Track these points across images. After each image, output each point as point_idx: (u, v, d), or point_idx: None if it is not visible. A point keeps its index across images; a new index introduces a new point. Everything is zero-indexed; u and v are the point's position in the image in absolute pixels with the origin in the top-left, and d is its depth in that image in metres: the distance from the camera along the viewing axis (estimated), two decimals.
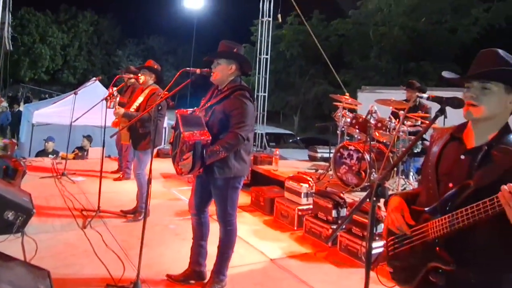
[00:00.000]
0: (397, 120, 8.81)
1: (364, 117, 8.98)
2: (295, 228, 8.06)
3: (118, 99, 8.42)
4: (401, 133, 8.45)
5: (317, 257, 6.90)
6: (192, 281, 5.50)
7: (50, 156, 13.88)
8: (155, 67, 8.20)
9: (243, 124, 4.88)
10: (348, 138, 10.24)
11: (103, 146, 8.30)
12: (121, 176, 11.00)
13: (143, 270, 5.13)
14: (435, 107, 2.71)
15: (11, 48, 22.02)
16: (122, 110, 7.82)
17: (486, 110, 2.53)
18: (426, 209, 2.69)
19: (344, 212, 7.50)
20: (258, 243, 7.26)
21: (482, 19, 27.15)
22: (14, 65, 55.13)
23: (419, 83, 9.94)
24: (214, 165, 4.93)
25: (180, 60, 66.80)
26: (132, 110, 7.85)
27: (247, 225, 8.15)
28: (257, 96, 16.26)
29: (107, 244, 6.61)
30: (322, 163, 12.42)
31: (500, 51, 2.62)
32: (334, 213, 7.44)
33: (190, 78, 5.37)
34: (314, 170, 10.94)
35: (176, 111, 5.18)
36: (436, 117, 2.57)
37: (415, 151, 8.83)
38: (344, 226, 6.93)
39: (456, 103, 2.53)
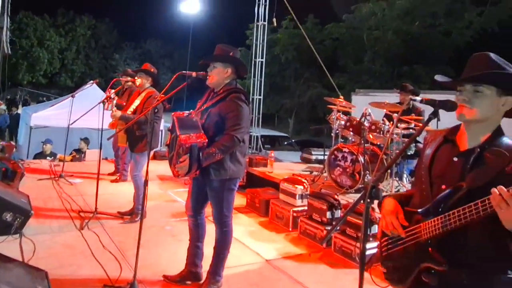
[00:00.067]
0: (391, 122, 8.81)
1: (358, 119, 9.00)
2: (290, 229, 8.07)
3: (115, 101, 8.41)
4: (394, 136, 8.47)
5: (311, 258, 6.90)
6: (189, 282, 5.50)
7: (48, 158, 13.88)
8: (152, 70, 8.20)
9: (238, 127, 4.89)
10: (342, 140, 10.24)
11: (100, 149, 8.30)
12: (118, 178, 10.99)
13: (139, 270, 5.13)
14: (428, 110, 2.72)
15: (10, 52, 21.99)
16: (119, 113, 7.81)
17: (479, 112, 2.54)
18: (419, 210, 2.70)
19: (338, 213, 7.51)
20: (253, 244, 7.27)
21: (476, 23, 27.15)
22: (13, 69, 54.90)
23: (413, 86, 9.95)
24: (210, 167, 4.93)
25: (176, 63, 66.72)
26: (129, 112, 7.85)
27: (243, 226, 8.15)
28: (253, 99, 16.27)
29: (104, 245, 6.60)
30: (317, 165, 12.44)
31: (492, 54, 2.63)
32: (328, 214, 7.44)
33: (186, 81, 5.36)
34: (308, 172, 10.95)
35: (173, 113, 5.18)
36: (429, 119, 2.57)
37: (409, 153, 8.83)
38: (338, 228, 6.95)
39: (449, 106, 2.54)
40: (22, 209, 6.54)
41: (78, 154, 14.75)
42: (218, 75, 5.10)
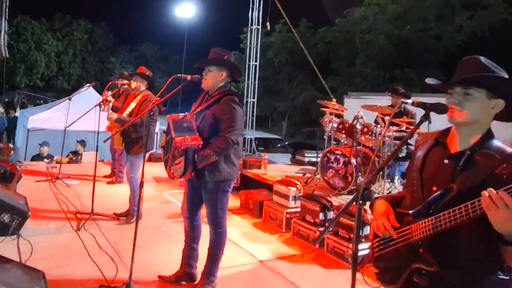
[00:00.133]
0: (383, 125, 8.81)
1: (350, 122, 8.99)
2: (284, 230, 8.07)
3: (111, 104, 8.40)
4: (386, 138, 8.47)
5: (305, 258, 6.90)
6: (184, 282, 5.50)
7: (45, 160, 13.89)
8: (147, 73, 8.20)
9: (232, 129, 4.89)
10: (335, 142, 10.23)
11: (97, 151, 8.30)
12: (114, 179, 10.98)
13: (135, 271, 5.11)
14: (419, 112, 2.71)
15: (7, 55, 21.96)
16: (115, 115, 7.81)
17: (469, 115, 2.54)
18: (410, 212, 2.69)
19: (331, 214, 7.51)
20: (247, 245, 7.27)
21: (466, 27, 27.20)
22: (10, 72, 55.18)
23: (404, 89, 9.95)
24: (205, 169, 4.93)
25: (171, 67, 66.77)
26: (125, 115, 7.85)
27: (237, 227, 8.16)
28: (246, 102, 16.23)
29: (101, 246, 6.60)
30: (310, 167, 12.42)
31: (482, 58, 2.62)
32: (321, 215, 7.45)
33: (181, 84, 5.37)
34: (301, 174, 10.94)
35: (168, 116, 5.17)
36: (420, 122, 2.58)
37: (400, 156, 8.83)
38: (331, 229, 6.96)
39: (440, 109, 2.54)
40: (20, 210, 6.53)
41: (75, 156, 14.74)
42: (213, 78, 5.11)
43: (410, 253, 2.64)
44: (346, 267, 6.43)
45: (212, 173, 4.99)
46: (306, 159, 13.53)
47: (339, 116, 10.16)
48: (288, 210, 8.20)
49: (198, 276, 5.47)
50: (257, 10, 16.76)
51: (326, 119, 9.49)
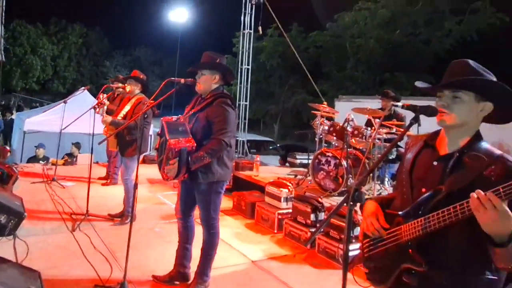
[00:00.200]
0: (373, 128, 8.82)
1: (341, 125, 8.99)
2: (275, 231, 8.07)
3: (106, 107, 8.38)
4: (376, 141, 8.47)
5: (296, 259, 6.91)
6: (177, 282, 5.51)
7: (40, 162, 13.85)
8: (141, 77, 8.20)
9: (225, 131, 4.90)
10: (326, 145, 10.22)
11: (91, 153, 8.30)
12: (108, 181, 10.96)
13: (129, 271, 5.11)
14: (409, 115, 2.72)
15: (4, 59, 21.92)
16: (109, 118, 7.80)
17: (457, 118, 2.54)
18: (400, 212, 2.69)
19: (322, 216, 7.52)
20: (240, 246, 7.27)
21: (455, 31, 27.25)
22: (7, 75, 55.07)
23: (394, 92, 9.97)
24: (198, 170, 4.94)
25: (165, 70, 66.83)
26: (119, 118, 7.84)
27: (229, 228, 8.15)
28: (239, 105, 16.25)
29: (95, 246, 6.59)
30: (301, 169, 12.43)
31: (471, 61, 2.63)
32: (312, 217, 7.46)
33: (174, 87, 5.38)
34: (293, 176, 10.94)
35: (162, 118, 5.17)
36: (410, 125, 2.57)
37: (390, 158, 8.85)
38: (322, 229, 6.96)
39: (430, 112, 2.54)
40: (16, 211, 6.52)
41: (70, 158, 14.72)
42: (206, 81, 5.12)
43: (400, 253, 2.64)
44: (337, 267, 6.45)
45: (205, 174, 5.00)
46: (298, 161, 13.54)
47: (330, 119, 10.18)
48: (280, 211, 8.20)
49: (192, 276, 5.47)
50: (249, 15, 16.80)
51: (317, 122, 9.50)
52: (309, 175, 9.49)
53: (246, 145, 17.17)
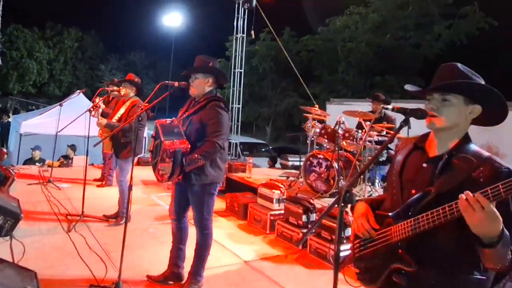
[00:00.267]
0: (364, 130, 8.83)
1: (332, 127, 9.02)
2: (268, 232, 8.08)
3: (101, 110, 8.37)
4: (367, 143, 8.48)
5: (288, 259, 6.91)
6: (171, 282, 5.52)
7: (37, 164, 13.84)
8: (136, 80, 8.20)
9: (219, 133, 4.91)
10: (318, 147, 10.24)
11: (87, 155, 8.26)
12: (103, 183, 10.94)
13: (124, 271, 5.11)
14: (399, 118, 2.73)
15: (0, 63, 21.87)
16: (104, 121, 7.79)
17: (446, 120, 2.54)
18: (390, 214, 2.69)
19: (313, 217, 7.51)
20: (232, 246, 7.27)
21: (444, 35, 27.26)
22: (3, 79, 55.07)
23: (384, 95, 10.00)
24: (191, 172, 4.94)
25: (159, 73, 66.66)
26: (114, 121, 7.83)
27: (223, 229, 8.15)
28: (232, 107, 16.24)
29: (91, 246, 6.59)
30: (293, 171, 12.45)
31: (460, 65, 2.63)
32: (304, 218, 7.45)
33: (168, 90, 5.36)
34: (285, 178, 10.95)
35: (156, 121, 5.16)
36: (400, 127, 2.57)
37: (381, 160, 8.86)
38: (313, 230, 6.95)
39: (419, 114, 2.54)
40: (12, 212, 6.49)
41: (66, 160, 14.70)
42: (200, 85, 5.13)
43: (390, 253, 2.63)
44: (328, 267, 6.45)
45: (198, 176, 5.00)
46: (290, 163, 13.56)
47: (321, 121, 10.22)
48: (272, 212, 8.21)
49: (185, 276, 5.47)
50: (242, 19, 16.80)
51: (309, 125, 9.52)
52: (301, 177, 9.50)
53: (239, 147, 17.17)
